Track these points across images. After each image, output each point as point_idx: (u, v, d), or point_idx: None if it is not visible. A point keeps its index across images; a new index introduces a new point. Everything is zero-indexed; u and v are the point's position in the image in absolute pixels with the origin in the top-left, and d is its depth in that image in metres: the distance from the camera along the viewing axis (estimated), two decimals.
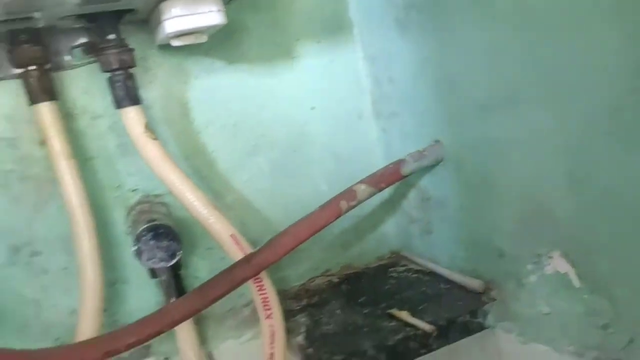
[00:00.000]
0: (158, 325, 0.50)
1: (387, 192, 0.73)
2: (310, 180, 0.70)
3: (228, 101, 0.65)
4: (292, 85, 0.68)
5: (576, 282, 0.47)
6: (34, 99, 0.51)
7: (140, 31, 0.59)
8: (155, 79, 0.60)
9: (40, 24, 0.50)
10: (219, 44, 0.63)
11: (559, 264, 0.49)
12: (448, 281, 0.63)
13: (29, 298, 0.60)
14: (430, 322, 0.54)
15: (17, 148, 0.57)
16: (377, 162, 0.72)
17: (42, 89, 0.51)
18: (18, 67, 0.51)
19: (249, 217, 0.66)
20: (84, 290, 0.54)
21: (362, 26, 0.69)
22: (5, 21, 0.46)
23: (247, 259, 0.53)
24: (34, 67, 0.50)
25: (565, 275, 0.48)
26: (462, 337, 0.55)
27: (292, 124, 0.68)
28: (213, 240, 0.64)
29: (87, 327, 0.54)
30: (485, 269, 0.58)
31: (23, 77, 0.51)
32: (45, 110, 0.52)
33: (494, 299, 0.56)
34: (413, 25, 0.59)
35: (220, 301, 0.66)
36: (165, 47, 0.60)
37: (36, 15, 0.46)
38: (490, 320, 0.57)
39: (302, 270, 0.72)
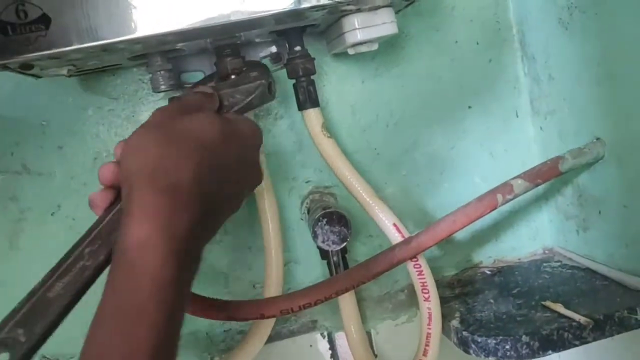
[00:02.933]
0: (328, 291, 0.57)
1: (541, 188, 0.74)
2: (465, 175, 0.74)
3: (390, 102, 0.71)
4: (450, 85, 0.72)
5: None
6: None
7: (317, 42, 0.67)
8: (329, 84, 0.68)
9: (240, 40, 0.59)
10: (383, 50, 0.69)
11: None
12: (605, 278, 0.63)
13: (219, 271, 0.71)
14: (585, 316, 0.56)
15: None
16: (533, 159, 0.74)
17: None
18: (221, 76, 0.60)
19: (406, 208, 0.71)
20: (268, 266, 0.63)
21: (522, 26, 0.71)
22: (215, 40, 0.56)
23: (407, 241, 0.59)
24: (235, 76, 0.60)
25: None
26: (618, 333, 0.56)
27: (449, 122, 0.73)
28: (373, 229, 0.71)
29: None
30: None
31: None
32: None
33: None
34: (576, 25, 0.61)
35: (378, 285, 0.74)
36: (338, 55, 0.68)
37: (242, 35, 0.55)
38: None
39: (455, 262, 0.76)
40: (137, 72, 0.65)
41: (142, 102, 0.66)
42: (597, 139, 0.62)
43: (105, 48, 0.48)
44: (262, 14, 0.49)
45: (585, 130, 0.63)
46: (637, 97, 0.55)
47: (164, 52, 0.57)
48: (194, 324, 0.70)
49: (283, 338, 0.72)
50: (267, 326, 0.64)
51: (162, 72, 0.58)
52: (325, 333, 0.73)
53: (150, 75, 0.59)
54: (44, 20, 0.46)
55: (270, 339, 0.67)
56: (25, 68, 0.50)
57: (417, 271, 0.60)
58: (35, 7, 0.46)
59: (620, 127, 0.58)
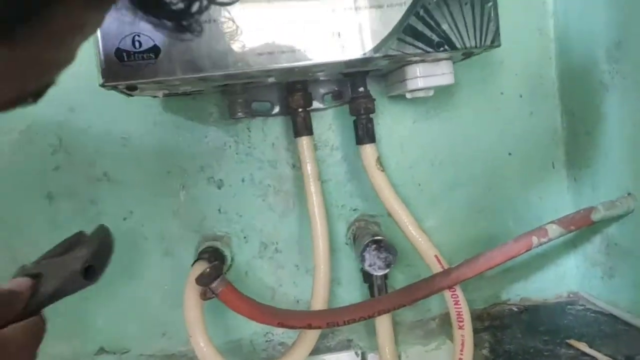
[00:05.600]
0: (370, 311, 0.63)
1: (570, 235, 0.79)
2: (500, 217, 0.80)
3: (437, 142, 0.77)
4: (493, 132, 0.78)
5: None
6: (298, 133, 0.68)
7: (376, 83, 0.74)
8: (384, 122, 0.75)
9: (309, 77, 0.66)
10: (435, 95, 0.74)
11: None
12: (627, 324, 0.68)
13: (268, 285, 0.77)
14: (607, 356, 0.61)
15: (275, 168, 0.74)
16: (565, 208, 0.79)
17: (305, 126, 0.67)
18: (290, 108, 0.67)
19: (444, 242, 0.77)
20: (316, 283, 0.69)
21: (564, 83, 0.77)
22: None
23: (447, 271, 0.65)
24: (301, 109, 0.67)
25: None
26: None
27: (490, 166, 0.78)
28: (412, 258, 0.77)
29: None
30: None
31: (293, 115, 0.68)
32: (305, 142, 0.68)
33: None
34: (616, 88, 0.67)
35: (412, 312, 0.79)
36: (394, 97, 0.75)
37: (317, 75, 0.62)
38: None
39: (485, 296, 0.81)
40: (212, 97, 0.73)
41: (214, 125, 0.73)
42: (629, 194, 0.67)
43: (202, 78, 0.55)
44: (341, 59, 0.55)
45: (618, 185, 0.69)
46: None
47: (244, 83, 0.64)
48: (239, 331, 0.76)
49: (321, 353, 0.77)
50: (312, 339, 0.69)
51: (240, 100, 0.65)
52: (360, 352, 0.78)
53: (227, 102, 0.66)
54: (154, 50, 0.53)
55: (310, 353, 0.73)
56: (130, 89, 0.57)
57: (454, 300, 0.66)
58: (148, 38, 0.53)
59: None
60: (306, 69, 0.57)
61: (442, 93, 0.76)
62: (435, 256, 0.67)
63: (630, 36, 0.64)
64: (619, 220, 0.69)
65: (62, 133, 0.71)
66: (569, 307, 0.77)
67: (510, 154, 0.79)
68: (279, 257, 0.76)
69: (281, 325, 0.62)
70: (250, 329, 0.76)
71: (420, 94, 0.66)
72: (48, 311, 0.64)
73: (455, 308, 0.66)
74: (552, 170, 0.80)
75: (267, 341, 0.77)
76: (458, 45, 0.58)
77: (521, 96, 0.79)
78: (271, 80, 0.63)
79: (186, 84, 0.59)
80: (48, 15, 0.22)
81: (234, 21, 0.54)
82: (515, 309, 0.79)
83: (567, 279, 0.81)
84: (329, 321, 0.62)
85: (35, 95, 0.28)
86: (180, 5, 0.31)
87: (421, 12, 0.56)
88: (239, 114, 0.65)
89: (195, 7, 0.32)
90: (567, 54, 0.76)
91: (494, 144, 0.79)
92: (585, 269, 0.78)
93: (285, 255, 0.76)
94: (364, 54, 0.56)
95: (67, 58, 0.27)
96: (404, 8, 0.56)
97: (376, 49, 0.56)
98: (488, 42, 0.58)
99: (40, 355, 0.73)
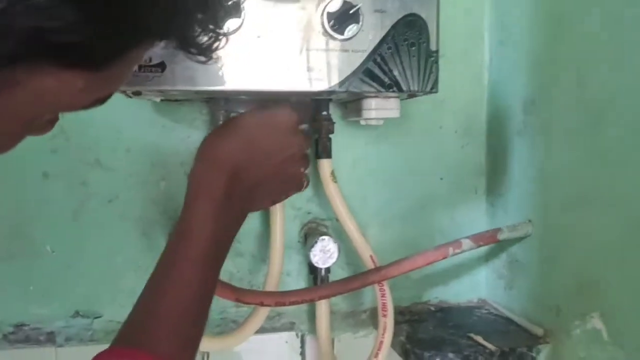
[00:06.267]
0: (313, 295, 0.77)
1: (483, 251, 0.96)
2: (429, 231, 0.95)
3: (383, 163, 0.92)
4: (430, 159, 0.93)
5: (605, 337, 0.68)
6: None
7: (338, 108, 0.88)
8: (341, 142, 0.88)
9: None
10: (385, 124, 0.89)
11: (596, 323, 0.69)
12: (517, 325, 0.84)
13: (227, 270, 0.89)
14: (496, 347, 0.76)
15: None
16: (483, 227, 0.94)
17: None
18: None
19: (381, 247, 0.91)
20: (270, 273, 0.82)
21: (491, 125, 0.94)
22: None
23: (378, 269, 0.79)
24: None
25: (599, 331, 0.69)
26: None
27: (425, 187, 0.94)
28: (352, 258, 0.91)
29: None
30: (546, 320, 0.79)
31: None
32: None
33: (547, 342, 0.77)
34: (527, 135, 0.83)
35: (346, 304, 0.93)
36: (351, 122, 0.89)
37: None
38: (541, 357, 0.77)
39: (409, 296, 0.96)
40: (198, 105, 0.85)
41: (196, 128, 0.86)
42: (529, 220, 0.83)
43: (197, 92, 0.68)
44: (310, 90, 0.69)
45: (522, 212, 0.85)
46: (559, 193, 0.77)
47: (227, 99, 0.78)
48: None
49: (267, 332, 0.90)
50: (261, 318, 0.82)
51: (222, 111, 0.78)
52: (300, 334, 0.92)
53: (210, 110, 0.79)
54: (162, 65, 0.66)
55: (257, 331, 0.86)
56: (135, 94, 0.69)
57: (381, 293, 0.80)
58: (159, 56, 0.66)
59: (546, 214, 0.80)
60: (280, 94, 0.70)
61: (391, 123, 0.90)
62: (371, 256, 0.81)
63: (541, 97, 0.81)
64: (520, 242, 0.85)
65: (64, 121, 0.81)
66: (476, 310, 0.93)
67: (442, 178, 0.94)
68: (239, 246, 0.89)
69: (238, 300, 0.75)
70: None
71: (372, 122, 0.81)
72: (36, 273, 0.79)
73: (382, 300, 0.80)
74: (475, 196, 0.96)
75: (221, 318, 0.89)
76: (404, 88, 0.72)
77: (456, 132, 0.94)
78: (251, 97, 0.76)
79: (181, 94, 0.72)
80: (126, 55, 0.35)
81: (227, 48, 0.67)
82: (433, 309, 0.94)
83: (478, 287, 0.97)
84: (277, 300, 0.76)
85: (104, 100, 0.41)
86: (209, 42, 0.44)
87: (378, 59, 0.70)
88: (220, 122, 0.78)
89: (217, 44, 0.45)
90: (495, 102, 0.93)
91: (429, 169, 0.94)
92: (493, 280, 0.94)
93: (244, 245, 0.89)
94: (330, 87, 0.70)
95: (129, 76, 0.40)
96: (365, 54, 0.70)
97: (340, 84, 0.70)
98: (428, 88, 0.73)
99: (22, 313, 0.85)
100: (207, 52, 0.45)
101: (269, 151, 0.59)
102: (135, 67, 0.65)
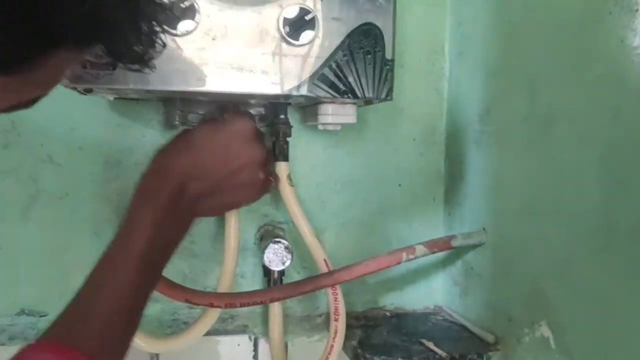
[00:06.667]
0: (264, 297, 0.76)
1: (441, 258, 0.96)
2: (385, 238, 0.95)
3: (341, 168, 0.92)
4: (388, 166, 0.94)
5: (553, 345, 0.69)
6: None
7: (296, 112, 0.88)
8: (299, 145, 0.88)
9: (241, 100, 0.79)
10: (344, 130, 0.90)
11: (544, 330, 0.70)
12: (470, 332, 0.85)
13: (180, 270, 0.88)
14: (447, 352, 0.77)
15: None
16: (440, 235, 0.96)
17: None
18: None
19: (337, 251, 0.91)
20: (224, 274, 0.81)
21: (449, 134, 0.95)
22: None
23: (331, 272, 0.79)
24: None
25: (547, 338, 0.69)
26: None
27: (383, 194, 0.94)
28: (307, 262, 0.91)
29: None
30: (498, 327, 0.80)
31: None
32: None
33: (498, 350, 0.78)
34: (483, 144, 0.84)
35: (301, 307, 0.93)
36: (309, 126, 0.89)
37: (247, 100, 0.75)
38: None
39: (364, 301, 0.96)
40: (155, 105, 0.84)
41: (152, 128, 0.85)
42: (483, 228, 0.84)
43: (148, 91, 0.67)
44: (266, 93, 0.69)
45: (477, 221, 0.86)
46: (513, 203, 0.77)
47: (183, 99, 0.77)
48: (149, 308, 0.87)
49: (219, 334, 0.89)
50: (211, 319, 0.81)
51: (177, 111, 0.77)
52: (252, 337, 0.91)
53: (166, 110, 0.78)
54: (113, 64, 0.65)
55: (209, 333, 0.85)
56: (87, 91, 0.68)
57: (334, 297, 0.80)
58: None
59: (499, 223, 0.81)
60: (235, 96, 0.70)
61: (350, 129, 0.91)
62: (324, 260, 0.81)
63: (495, 107, 0.82)
64: (475, 249, 0.86)
65: (15, 116, 0.80)
66: (431, 316, 0.94)
67: (400, 185, 0.95)
68: (194, 247, 0.88)
69: (187, 301, 0.74)
70: (158, 308, 0.87)
71: (330, 127, 0.81)
72: None
73: (334, 303, 0.80)
74: (432, 204, 0.97)
75: (173, 320, 0.88)
76: (359, 95, 0.72)
77: (414, 139, 0.95)
78: (208, 98, 0.76)
79: (134, 93, 0.71)
80: (42, 61, 0.34)
81: (181, 49, 0.66)
82: (388, 314, 0.94)
83: (434, 294, 0.98)
84: (228, 302, 0.75)
85: (29, 103, 0.40)
86: (144, 51, 0.43)
87: (334, 66, 0.70)
88: (176, 122, 0.77)
89: (151, 55, 0.45)
90: (454, 112, 0.94)
91: (388, 176, 0.94)
92: (449, 287, 0.95)
93: (199, 246, 0.88)
94: (285, 91, 0.70)
95: (57, 80, 0.39)
96: (321, 61, 0.70)
97: (295, 89, 0.70)
98: (383, 96, 0.73)
99: None
100: (140, 62, 0.44)
101: (221, 161, 0.61)
102: (86, 64, 0.64)
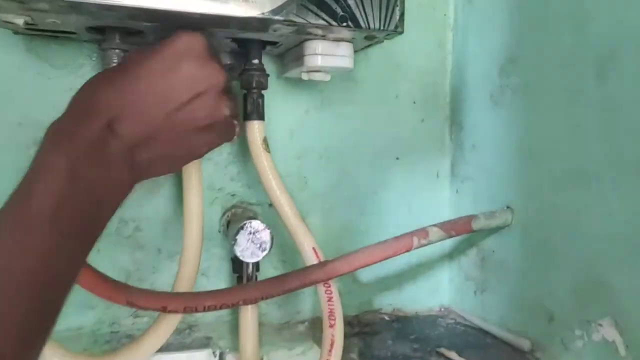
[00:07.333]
0: (235, 298, 0.57)
1: (446, 247, 0.79)
2: (381, 222, 0.77)
3: (328, 136, 0.74)
4: (383, 134, 0.76)
5: (622, 351, 0.52)
6: None
7: (272, 63, 0.69)
8: (274, 104, 0.70)
9: None
10: (331, 86, 0.72)
11: (607, 332, 0.53)
12: (495, 337, 0.68)
13: (122, 267, 0.68)
14: None
15: None
16: (444, 218, 0.78)
17: None
18: None
19: (323, 240, 0.72)
20: (182, 273, 0.61)
21: (456, 96, 0.78)
22: None
23: (322, 264, 0.60)
24: None
25: (612, 343, 0.53)
26: None
27: (377, 169, 0.76)
28: (289, 254, 0.72)
29: None
30: (534, 331, 0.63)
31: None
32: None
33: (537, 358, 0.61)
34: (505, 103, 0.68)
35: (280, 312, 0.74)
36: (289, 80, 0.70)
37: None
38: None
39: (356, 303, 0.77)
40: (87, 47, 0.64)
41: (82, 77, 0.63)
42: (508, 207, 0.67)
43: (73, 6, 0.47)
44: (237, 15, 0.50)
45: (498, 198, 0.69)
46: (548, 171, 0.61)
47: (125, 33, 0.57)
48: (80, 318, 0.66)
49: (173, 350, 0.69)
50: (164, 332, 0.61)
51: (117, 50, 0.57)
52: (218, 352, 0.71)
53: (103, 51, 0.58)
54: None
55: (161, 349, 0.64)
56: None
57: (327, 297, 0.61)
58: None
59: (530, 198, 0.64)
60: (196, 21, 0.51)
61: (338, 86, 0.73)
62: (314, 249, 0.62)
63: (523, 52, 0.65)
64: (496, 233, 0.69)
65: None
66: (439, 319, 0.76)
67: (397, 158, 0.77)
68: (139, 236, 0.68)
69: (130, 304, 0.54)
70: (92, 316, 0.66)
71: (318, 77, 0.63)
72: None
73: (328, 305, 0.61)
74: (436, 180, 0.79)
75: (112, 332, 0.67)
76: (362, 24, 0.55)
77: (414, 102, 0.78)
78: (154, 29, 0.56)
79: (54, 14, 0.50)
80: None
81: None
82: (387, 318, 0.76)
83: (440, 292, 0.81)
84: (187, 305, 0.55)
85: None
86: None
87: None
88: (114, 64, 0.57)
89: None
90: (462, 68, 0.77)
91: (383, 147, 0.77)
92: (459, 282, 0.78)
93: (146, 235, 0.68)
94: (263, 14, 0.51)
95: None
96: None
97: (276, 11, 0.52)
98: (392, 27, 0.56)
99: None
100: None
101: (163, 91, 0.44)
102: None
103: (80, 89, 0.44)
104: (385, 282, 0.79)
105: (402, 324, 0.74)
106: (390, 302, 0.79)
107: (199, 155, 0.50)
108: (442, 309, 0.80)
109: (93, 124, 0.40)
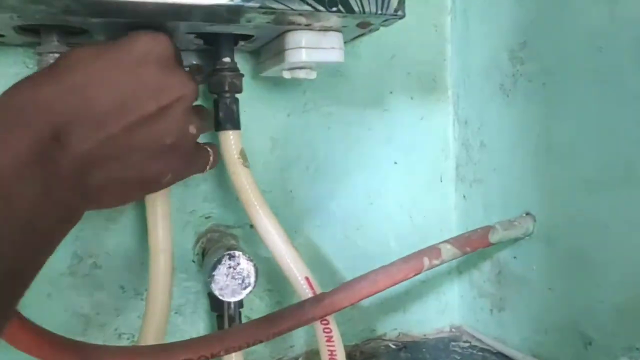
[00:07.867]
0: (217, 347, 0.46)
1: (454, 261, 0.70)
2: (380, 236, 0.68)
3: (314, 143, 0.64)
4: (379, 136, 0.67)
5: None
6: None
7: (247, 62, 0.59)
8: (251, 109, 0.59)
9: None
10: (316, 86, 0.63)
11: None
12: None
13: (79, 313, 0.57)
14: None
15: None
16: (451, 228, 0.70)
17: None
18: None
19: (315, 262, 0.63)
20: (150, 313, 0.51)
21: (458, 89, 0.69)
22: None
23: (319, 298, 0.51)
24: None
25: None
26: None
27: (373, 175, 0.67)
28: (274, 282, 0.62)
29: None
30: (567, 357, 0.54)
31: None
32: None
33: None
34: (519, 93, 0.59)
35: (269, 349, 0.64)
36: (267, 80, 0.60)
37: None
38: None
39: (357, 330, 0.68)
40: (21, 52, 0.53)
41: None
42: (527, 213, 0.58)
43: None
44: (199, 2, 0.40)
45: (515, 203, 0.60)
46: (577, 172, 0.52)
47: (63, 32, 0.46)
48: None
49: None
50: None
51: (57, 54, 0.46)
52: None
53: (39, 56, 0.47)
54: None
55: None
56: None
57: (326, 336, 0.51)
58: None
59: (554, 202, 0.55)
60: (145, 10, 0.40)
61: (324, 83, 0.63)
62: (307, 278, 0.52)
63: (538, 35, 0.56)
64: (514, 244, 0.60)
65: None
66: (452, 343, 0.67)
67: (395, 162, 0.68)
68: (98, 274, 0.57)
69: None
70: None
71: (302, 75, 0.53)
72: None
73: (328, 345, 0.51)
74: (440, 185, 0.70)
75: None
76: (355, 8, 0.45)
77: (412, 98, 0.68)
78: (103, 27, 0.45)
79: None
80: None
81: None
82: (393, 345, 0.67)
83: (450, 311, 0.71)
84: None
85: None
86: None
87: None
88: None
89: None
90: (464, 56, 0.68)
91: (379, 150, 0.67)
92: (472, 299, 0.69)
93: (107, 272, 0.57)
94: (233, 0, 0.41)
95: None
96: None
97: None
98: (391, 11, 0.47)
99: None
100: None
101: (124, 99, 0.35)
102: None
103: (9, 88, 0.33)
104: (387, 303, 0.69)
105: (410, 351, 0.65)
106: (394, 325, 0.70)
107: (157, 186, 0.39)
108: (453, 329, 0.71)
109: (30, 132, 0.30)
